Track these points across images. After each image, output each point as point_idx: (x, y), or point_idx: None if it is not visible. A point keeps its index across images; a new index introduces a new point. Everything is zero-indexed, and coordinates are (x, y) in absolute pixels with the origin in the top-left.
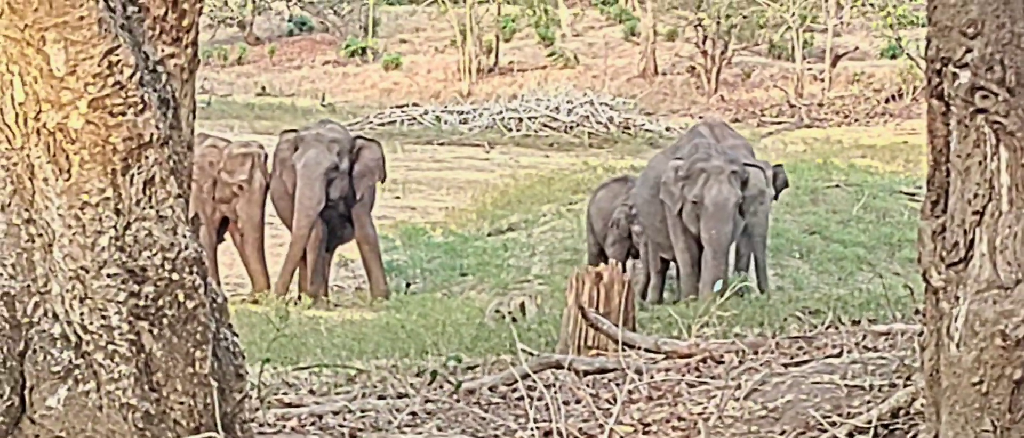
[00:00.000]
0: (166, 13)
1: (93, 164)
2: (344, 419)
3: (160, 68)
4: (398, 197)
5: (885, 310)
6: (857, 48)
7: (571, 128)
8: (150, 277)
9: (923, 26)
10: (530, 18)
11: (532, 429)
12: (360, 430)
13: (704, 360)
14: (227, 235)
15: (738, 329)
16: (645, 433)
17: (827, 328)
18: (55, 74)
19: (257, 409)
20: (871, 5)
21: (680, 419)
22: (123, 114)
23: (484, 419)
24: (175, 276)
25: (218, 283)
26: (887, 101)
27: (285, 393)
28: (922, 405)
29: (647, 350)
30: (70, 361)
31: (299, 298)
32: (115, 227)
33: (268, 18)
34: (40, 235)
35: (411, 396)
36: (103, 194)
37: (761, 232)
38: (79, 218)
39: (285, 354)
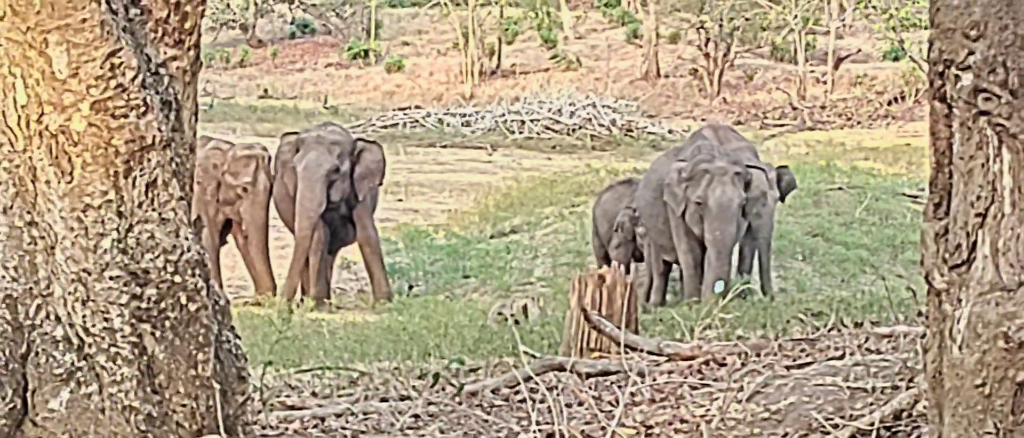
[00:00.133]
0: (168, 15)
1: (95, 166)
2: (346, 421)
3: (162, 70)
4: (400, 199)
5: (888, 312)
6: (859, 50)
7: (573, 130)
8: (152, 279)
9: (925, 28)
10: (532, 20)
11: (534, 431)
12: (362, 432)
13: (707, 362)
14: (230, 237)
15: (740, 331)
16: (648, 435)
17: (830, 330)
18: (57, 76)
19: (259, 411)
20: (874, 7)
21: (683, 421)
22: (125, 116)
23: (486, 421)
24: (177, 278)
25: (220, 285)
26: (890, 103)
27: (287, 395)
28: (925, 407)
29: (649, 352)
30: (72, 363)
31: (301, 300)
32: (117, 229)
33: (270, 20)
34: (42, 237)
35: (413, 398)
36: (105, 196)
37: (766, 234)
38: (81, 220)
39: (287, 356)
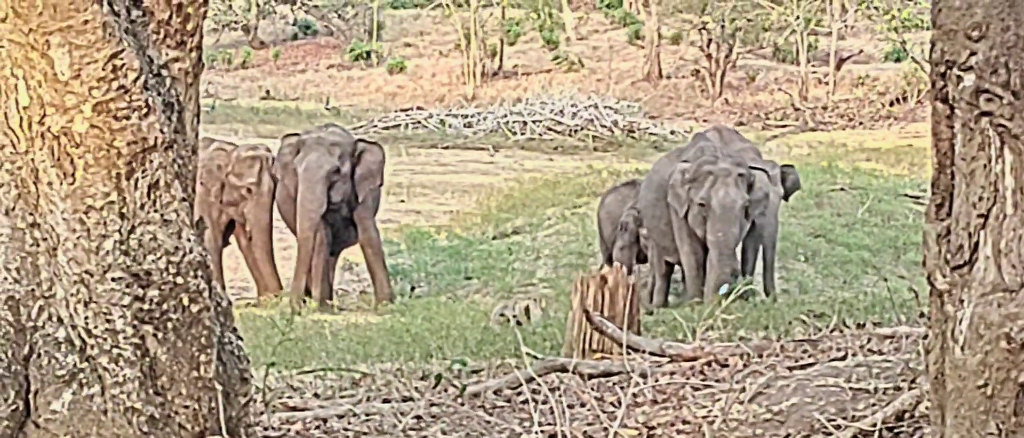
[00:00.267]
0: (170, 17)
1: (97, 168)
2: (349, 423)
3: (164, 72)
4: (403, 201)
5: (890, 313)
6: (861, 51)
7: (575, 131)
8: (155, 281)
9: (927, 29)
10: (534, 22)
11: (537, 432)
12: (365, 434)
13: (709, 363)
14: (232, 239)
15: (743, 332)
16: (650, 436)
17: (832, 331)
18: (59, 78)
19: (262, 413)
20: (875, 8)
21: (685, 422)
22: (127, 118)
23: (489, 423)
24: (180, 280)
25: (223, 287)
26: (892, 104)
27: (290, 397)
28: (927, 408)
29: (652, 353)
30: (74, 365)
31: (304, 302)
32: (119, 231)
33: (272, 22)
34: (44, 239)
35: (416, 400)
36: (107, 198)
37: (771, 231)
38: (83, 222)
39: (290, 358)
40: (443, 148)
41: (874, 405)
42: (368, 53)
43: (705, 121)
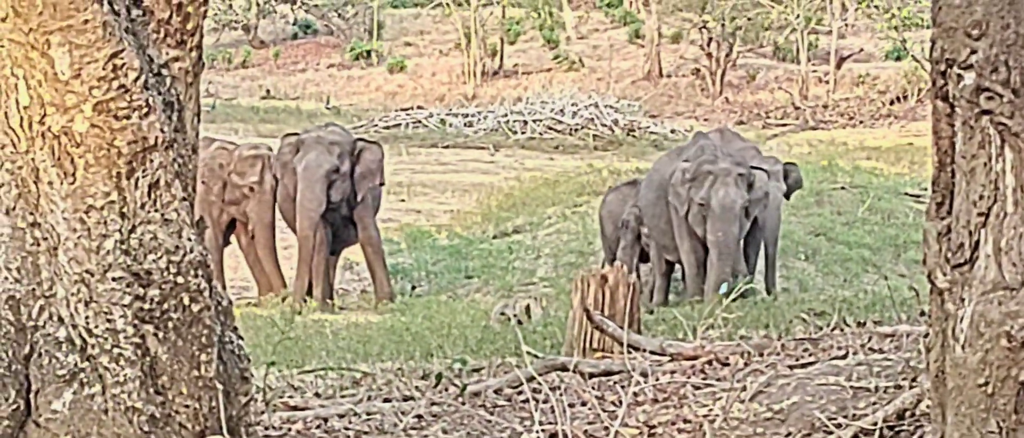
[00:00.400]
0: (170, 16)
1: (98, 167)
2: (349, 422)
3: (165, 71)
4: (403, 200)
5: (890, 312)
6: (862, 50)
7: (576, 131)
8: (155, 280)
9: (928, 28)
10: (535, 21)
11: (537, 431)
12: (365, 433)
13: (709, 362)
14: (233, 238)
15: (743, 331)
16: (650, 435)
17: (832, 330)
18: (60, 77)
19: (262, 412)
20: (876, 7)
21: (686, 421)
22: (128, 117)
23: (489, 422)
24: (180, 279)
25: (223, 286)
26: (892, 103)
27: (290, 396)
28: (927, 407)
29: (652, 352)
30: (75, 364)
31: (305, 301)
32: (120, 230)
33: (272, 21)
34: (45, 238)
35: (416, 399)
36: (108, 197)
37: (773, 226)
38: (84, 221)
39: (290, 357)
40: (443, 147)
41: (875, 404)
42: (368, 52)
43: (705, 120)
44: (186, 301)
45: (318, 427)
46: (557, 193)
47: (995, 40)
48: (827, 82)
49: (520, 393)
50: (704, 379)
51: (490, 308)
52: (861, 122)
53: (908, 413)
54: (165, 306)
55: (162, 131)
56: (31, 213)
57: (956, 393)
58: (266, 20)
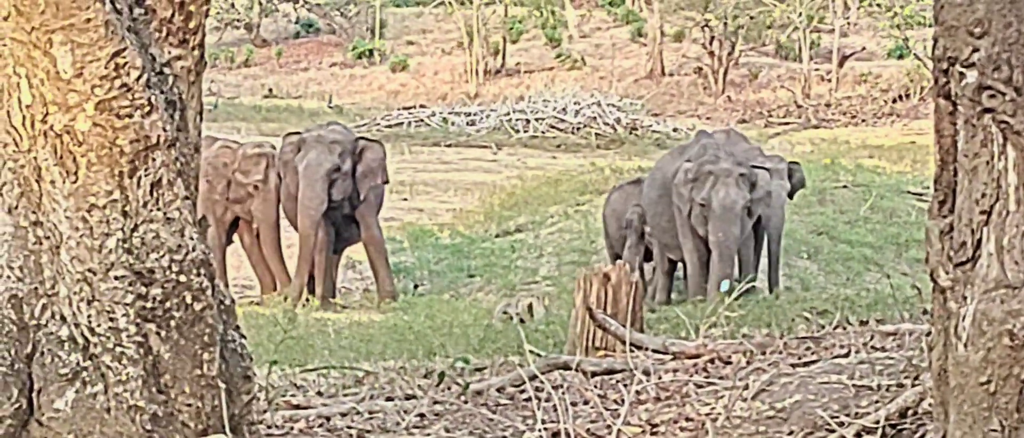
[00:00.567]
0: (173, 15)
1: (100, 166)
2: (352, 421)
3: (167, 70)
4: (405, 199)
5: (893, 310)
6: (864, 48)
7: (578, 129)
8: (157, 279)
9: (930, 26)
10: (537, 19)
11: (540, 430)
12: (368, 432)
13: (712, 361)
14: (235, 237)
15: (746, 330)
16: (653, 434)
17: (835, 328)
18: (62, 76)
19: (265, 411)
20: (878, 5)
21: (688, 420)
22: (130, 116)
23: (492, 420)
24: (182, 278)
25: (226, 285)
26: (894, 101)
27: (293, 395)
28: (930, 405)
29: (655, 351)
30: (78, 363)
31: (307, 300)
32: (122, 229)
33: (275, 20)
34: (47, 237)
35: (419, 398)
36: (110, 196)
37: (776, 226)
38: (86, 220)
39: (293, 356)
40: (446, 146)
41: (877, 402)
42: (371, 51)
43: (707, 118)
44: (188, 300)
45: (320, 426)
46: (559, 192)
47: (997, 38)
48: (829, 81)
49: (522, 392)
50: (706, 378)
51: (492, 307)
52: (863, 121)
53: (910, 411)
54: (167, 305)
55: (164, 130)
56: (33, 212)
57: (958, 391)
58: (268, 19)
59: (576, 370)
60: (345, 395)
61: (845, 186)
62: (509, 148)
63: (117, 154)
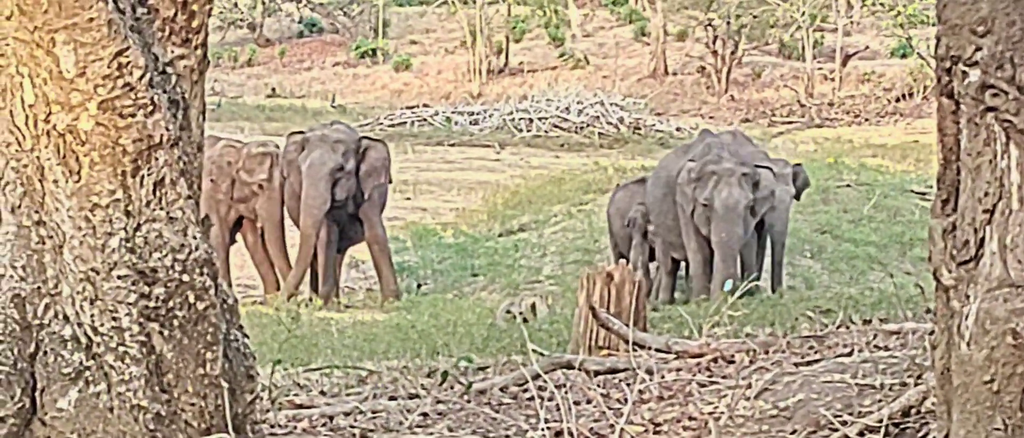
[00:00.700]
0: (176, 15)
1: (103, 166)
2: (355, 420)
3: (170, 70)
4: (409, 198)
5: (896, 309)
6: (867, 47)
7: (581, 128)
8: (160, 278)
9: (933, 25)
10: (540, 19)
11: (543, 429)
12: (371, 431)
13: (715, 360)
14: (239, 236)
15: (749, 329)
16: (656, 433)
17: (838, 327)
18: (65, 76)
19: (268, 410)
20: (881, 4)
21: (691, 419)
22: (133, 116)
23: (495, 419)
24: (185, 277)
25: (229, 284)
26: (897, 100)
27: (296, 394)
28: (933, 404)
29: (658, 350)
30: (81, 363)
31: (310, 299)
32: (125, 228)
33: (278, 20)
34: (50, 237)
35: (422, 397)
36: (113, 196)
37: (780, 228)
38: (89, 220)
39: (296, 355)
40: (449, 145)
41: (880, 401)
42: (374, 50)
43: (711, 118)
44: (191, 299)
45: (324, 425)
46: (563, 191)
47: (1000, 37)
48: (833, 80)
49: (526, 391)
50: (710, 377)
51: (496, 306)
52: (866, 120)
53: (914, 410)
54: (170, 304)
55: (167, 129)
56: (36, 211)
57: (962, 390)
58: (272, 18)
59: (579, 369)
60: (348, 394)
61: (848, 185)
62: (512, 147)
63: (120, 153)
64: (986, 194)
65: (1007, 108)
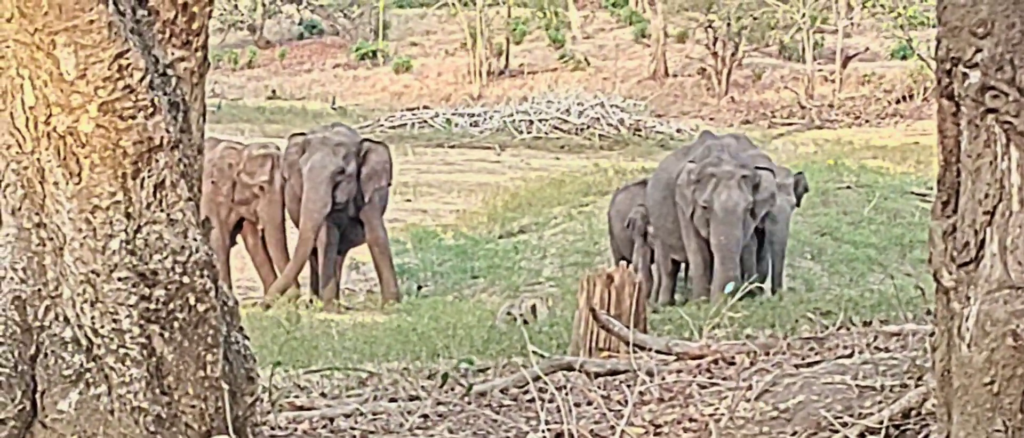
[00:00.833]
0: (176, 16)
1: (103, 168)
2: (355, 422)
3: (170, 71)
4: (409, 200)
5: (896, 311)
6: (867, 49)
7: (582, 130)
8: (161, 280)
9: (933, 27)
10: (540, 20)
11: (543, 431)
12: (371, 433)
13: (715, 361)
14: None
15: (749, 330)
16: (656, 434)
17: (838, 329)
18: (65, 78)
19: (268, 412)
20: (881, 6)
21: (691, 420)
22: (133, 118)
23: (495, 421)
24: (186, 279)
25: (230, 286)
26: (898, 102)
27: (296, 396)
28: (933, 406)
29: (658, 352)
30: (81, 365)
31: (310, 301)
32: (126, 231)
33: (278, 21)
34: (51, 239)
35: (423, 399)
36: (113, 198)
37: (780, 237)
38: (90, 222)
39: (296, 357)
40: (449, 147)
41: (880, 403)
42: (374, 52)
43: (711, 119)
44: (192, 301)
45: (324, 427)
46: (563, 193)
47: (1000, 39)
48: (833, 81)
49: (526, 393)
50: (710, 378)
51: (496, 308)
52: (867, 121)
53: (914, 412)
54: (171, 306)
55: (167, 131)
56: (37, 213)
57: (962, 392)
58: (272, 20)
59: (579, 371)
60: (349, 396)
61: (849, 187)
62: (512, 149)
63: (120, 155)
64: (986, 196)
65: (1007, 110)
